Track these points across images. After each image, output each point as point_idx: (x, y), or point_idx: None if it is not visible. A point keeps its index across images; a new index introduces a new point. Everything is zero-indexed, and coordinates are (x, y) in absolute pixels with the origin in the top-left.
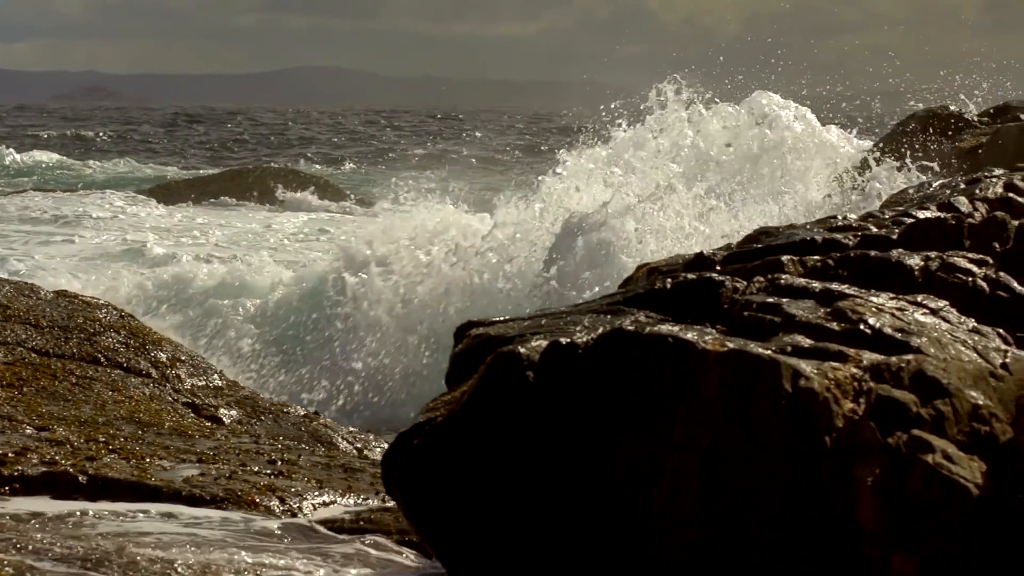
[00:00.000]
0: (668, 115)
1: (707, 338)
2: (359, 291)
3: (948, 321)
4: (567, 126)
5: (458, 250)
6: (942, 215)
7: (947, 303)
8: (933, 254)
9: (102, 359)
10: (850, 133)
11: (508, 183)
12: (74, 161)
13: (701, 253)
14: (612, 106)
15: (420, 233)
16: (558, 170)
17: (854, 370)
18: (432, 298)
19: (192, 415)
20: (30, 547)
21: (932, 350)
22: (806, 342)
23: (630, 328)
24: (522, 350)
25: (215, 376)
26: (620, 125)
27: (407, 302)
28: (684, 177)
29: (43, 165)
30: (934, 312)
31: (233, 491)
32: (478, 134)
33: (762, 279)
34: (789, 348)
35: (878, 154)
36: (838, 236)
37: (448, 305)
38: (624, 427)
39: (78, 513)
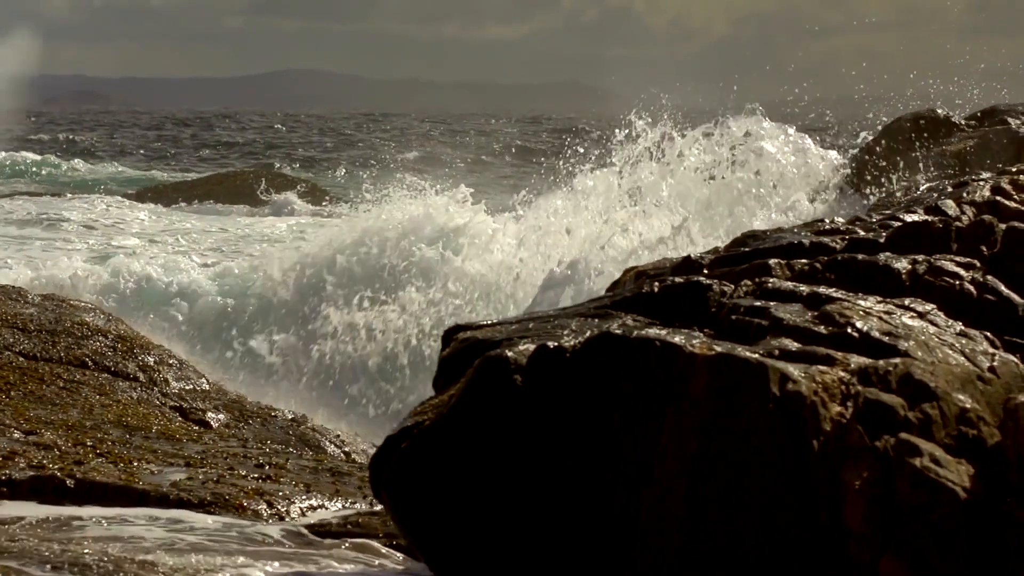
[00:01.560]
0: (638, 147)
1: (695, 342)
2: (272, 363)
3: (935, 324)
4: (556, 128)
5: (407, 308)
6: (929, 218)
7: (934, 306)
8: (920, 257)
9: (90, 363)
10: (838, 141)
11: (496, 184)
12: (62, 163)
13: (688, 257)
14: (580, 150)
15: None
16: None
17: (842, 373)
18: (373, 376)
19: (180, 419)
20: (17, 552)
21: (919, 353)
22: (794, 345)
23: (618, 332)
24: (510, 354)
25: (202, 380)
26: (584, 168)
27: (337, 386)
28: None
29: (30, 168)
30: (921, 315)
31: (221, 495)
32: (467, 138)
33: (750, 283)
34: (777, 351)
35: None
36: (825, 239)
37: (395, 387)
38: (612, 430)
39: (66, 518)
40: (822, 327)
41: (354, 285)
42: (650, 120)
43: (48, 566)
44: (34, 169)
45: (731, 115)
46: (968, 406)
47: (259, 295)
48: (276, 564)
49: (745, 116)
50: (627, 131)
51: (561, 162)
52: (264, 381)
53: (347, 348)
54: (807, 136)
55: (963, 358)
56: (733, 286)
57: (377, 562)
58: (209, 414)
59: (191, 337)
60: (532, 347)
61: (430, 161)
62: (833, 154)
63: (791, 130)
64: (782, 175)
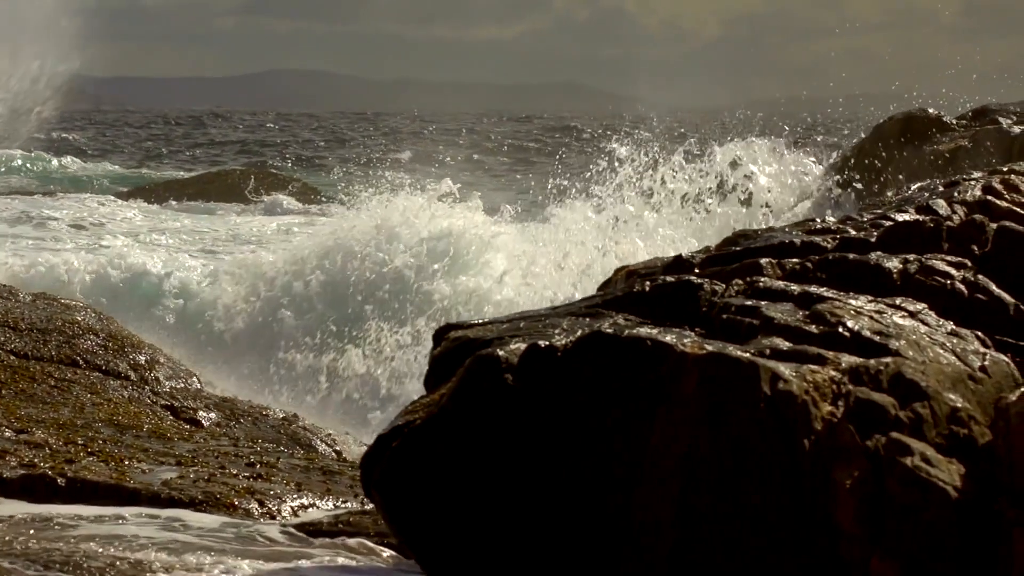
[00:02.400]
0: (618, 177)
1: (686, 341)
2: None
3: (927, 324)
4: (549, 127)
5: (372, 353)
6: (921, 218)
7: (925, 306)
8: (912, 257)
9: (81, 362)
10: (830, 140)
11: (489, 182)
12: (53, 161)
13: (680, 256)
14: (564, 182)
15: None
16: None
17: (833, 373)
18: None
19: (171, 418)
20: (6, 550)
21: (911, 353)
22: (785, 345)
23: (609, 331)
24: (501, 353)
25: (193, 379)
26: (568, 200)
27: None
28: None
29: (22, 165)
30: (912, 315)
31: (212, 494)
32: (459, 137)
33: (741, 282)
34: (768, 351)
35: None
36: (817, 239)
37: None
38: (604, 430)
39: (57, 516)
40: (813, 326)
41: (314, 312)
42: (634, 146)
43: (38, 565)
44: (28, 166)
45: (726, 123)
46: (959, 405)
47: (207, 328)
48: (267, 563)
49: (734, 142)
50: (606, 160)
51: (549, 183)
52: None
53: (306, 398)
54: (804, 155)
55: (954, 357)
56: (724, 285)
57: (368, 561)
58: (200, 413)
59: (181, 336)
60: (523, 346)
61: (422, 159)
62: (830, 176)
63: (787, 153)
64: (775, 202)
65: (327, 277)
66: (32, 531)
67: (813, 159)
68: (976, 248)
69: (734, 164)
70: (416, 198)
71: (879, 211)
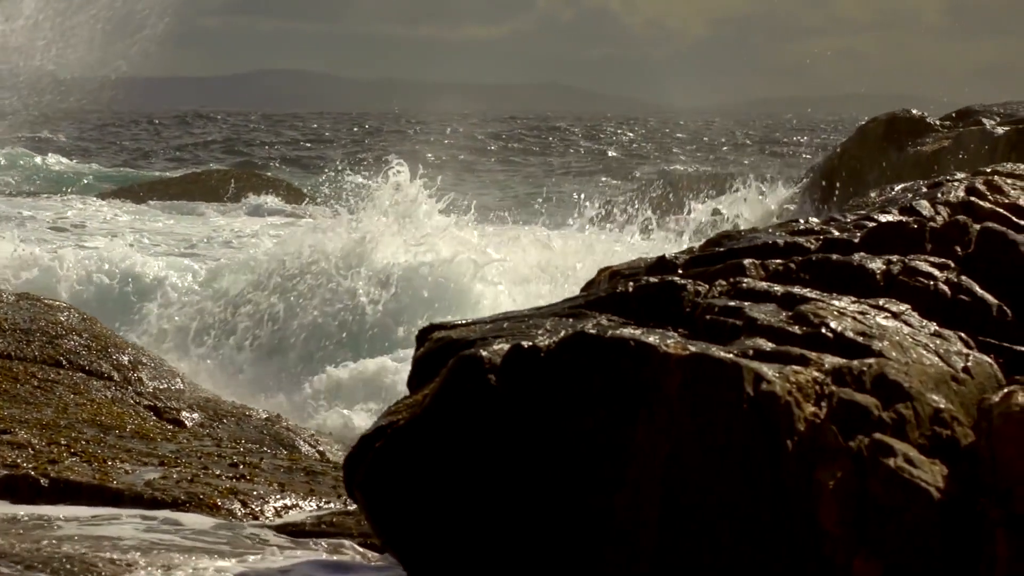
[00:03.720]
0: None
1: (669, 342)
2: None
3: (910, 325)
4: (536, 127)
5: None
6: (904, 219)
7: (909, 307)
8: (895, 258)
9: (64, 362)
10: (814, 140)
11: (476, 181)
12: (36, 162)
13: (663, 257)
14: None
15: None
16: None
17: (816, 374)
18: None
19: (154, 418)
20: None
21: (894, 354)
22: (768, 346)
23: (592, 332)
24: (484, 353)
25: (177, 379)
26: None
27: None
28: None
29: (5, 165)
30: (896, 316)
31: (195, 494)
32: (444, 139)
33: (724, 283)
34: (751, 351)
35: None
36: (800, 240)
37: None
38: (587, 430)
39: (39, 517)
40: (796, 327)
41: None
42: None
43: (21, 565)
44: (20, 163)
45: (714, 126)
46: (942, 406)
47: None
48: (249, 563)
49: (715, 199)
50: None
51: (540, 218)
52: None
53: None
54: (802, 196)
55: (937, 358)
56: (708, 286)
57: (351, 562)
58: (183, 413)
59: (163, 338)
60: (506, 347)
61: (407, 159)
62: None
63: (781, 186)
64: None
65: (271, 328)
66: (14, 531)
67: (808, 200)
68: (959, 249)
69: (715, 214)
70: (383, 217)
71: (862, 212)
